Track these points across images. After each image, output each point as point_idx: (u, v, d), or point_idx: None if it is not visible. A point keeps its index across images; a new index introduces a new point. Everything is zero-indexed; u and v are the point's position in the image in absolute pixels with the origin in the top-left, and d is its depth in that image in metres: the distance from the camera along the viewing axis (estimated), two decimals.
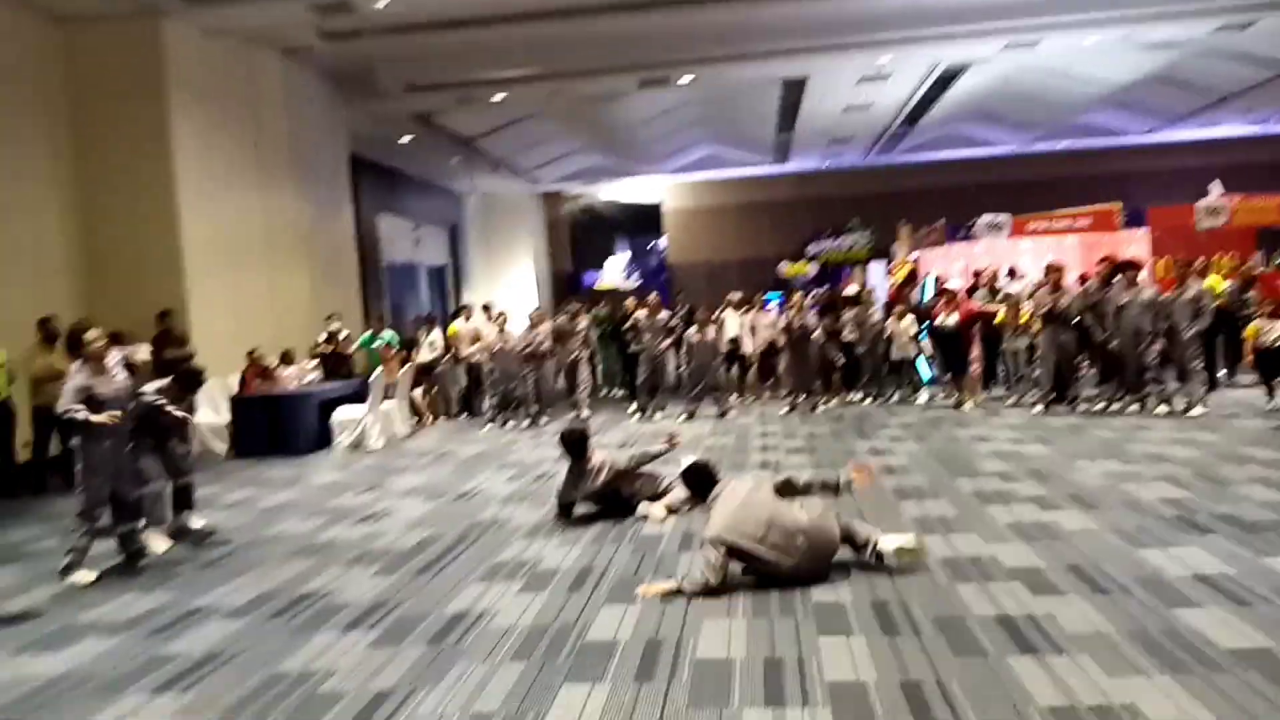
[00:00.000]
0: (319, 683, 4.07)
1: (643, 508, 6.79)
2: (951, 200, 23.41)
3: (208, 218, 12.04)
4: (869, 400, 12.92)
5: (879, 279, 22.58)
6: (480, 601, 5.07)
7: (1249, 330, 11.00)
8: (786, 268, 26.37)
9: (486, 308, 15.79)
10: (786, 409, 12.44)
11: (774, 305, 15.27)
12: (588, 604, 4.91)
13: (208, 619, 5.03)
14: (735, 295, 14.69)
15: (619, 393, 15.23)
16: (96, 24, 11.37)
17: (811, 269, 26.42)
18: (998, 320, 12.14)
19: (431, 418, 13.27)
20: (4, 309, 9.70)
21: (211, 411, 11.41)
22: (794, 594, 4.85)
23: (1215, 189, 16.13)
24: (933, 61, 16.28)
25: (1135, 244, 15.52)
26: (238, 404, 11.32)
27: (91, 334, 6.11)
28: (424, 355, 13.66)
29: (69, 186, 11.47)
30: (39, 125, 11.09)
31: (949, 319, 11.91)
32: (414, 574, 5.69)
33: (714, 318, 13.64)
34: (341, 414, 11.32)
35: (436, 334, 14.08)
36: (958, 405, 11.75)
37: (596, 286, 27.92)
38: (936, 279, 15.60)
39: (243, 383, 11.68)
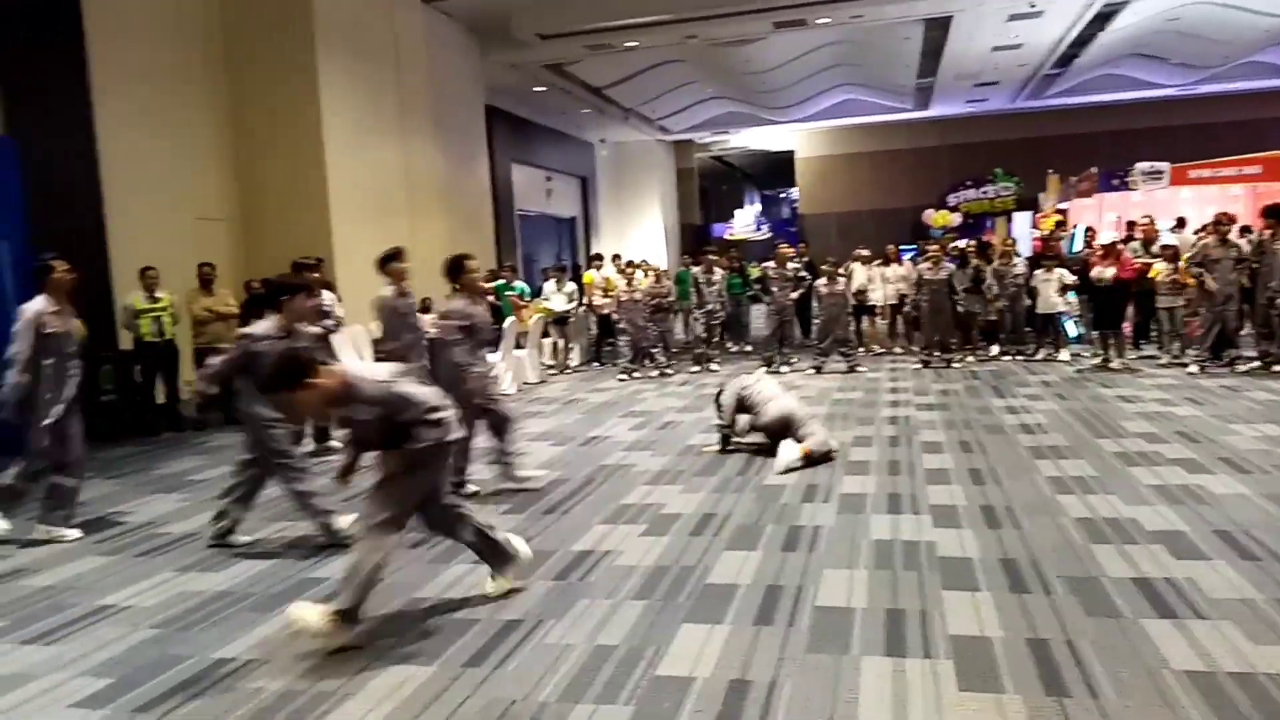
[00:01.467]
0: (453, 610, 4.28)
1: (784, 447, 6.78)
2: (1105, 147, 22.14)
3: (353, 167, 12.51)
4: (1008, 357, 12.47)
5: (1024, 230, 21.60)
6: (604, 542, 5.20)
7: None
8: (932, 216, 25.53)
9: (617, 258, 15.95)
10: (919, 364, 12.14)
11: (908, 257, 14.84)
12: (709, 549, 4.97)
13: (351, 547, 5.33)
14: (863, 251, 14.40)
15: (747, 346, 15.16)
16: None
17: (956, 218, 25.49)
18: (1152, 274, 11.44)
19: (559, 367, 13.54)
20: (168, 255, 10.37)
21: (355, 357, 11.96)
22: (919, 548, 4.79)
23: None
24: None
25: None
26: (379, 350, 11.82)
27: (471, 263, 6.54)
28: (558, 305, 13.76)
29: (226, 138, 12.13)
30: (199, 80, 11.73)
31: (1106, 271, 11.23)
32: (541, 513, 5.88)
33: (843, 270, 13.39)
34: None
35: (571, 285, 14.18)
36: (1104, 364, 11.20)
37: (726, 237, 27.74)
38: (1087, 230, 14.83)
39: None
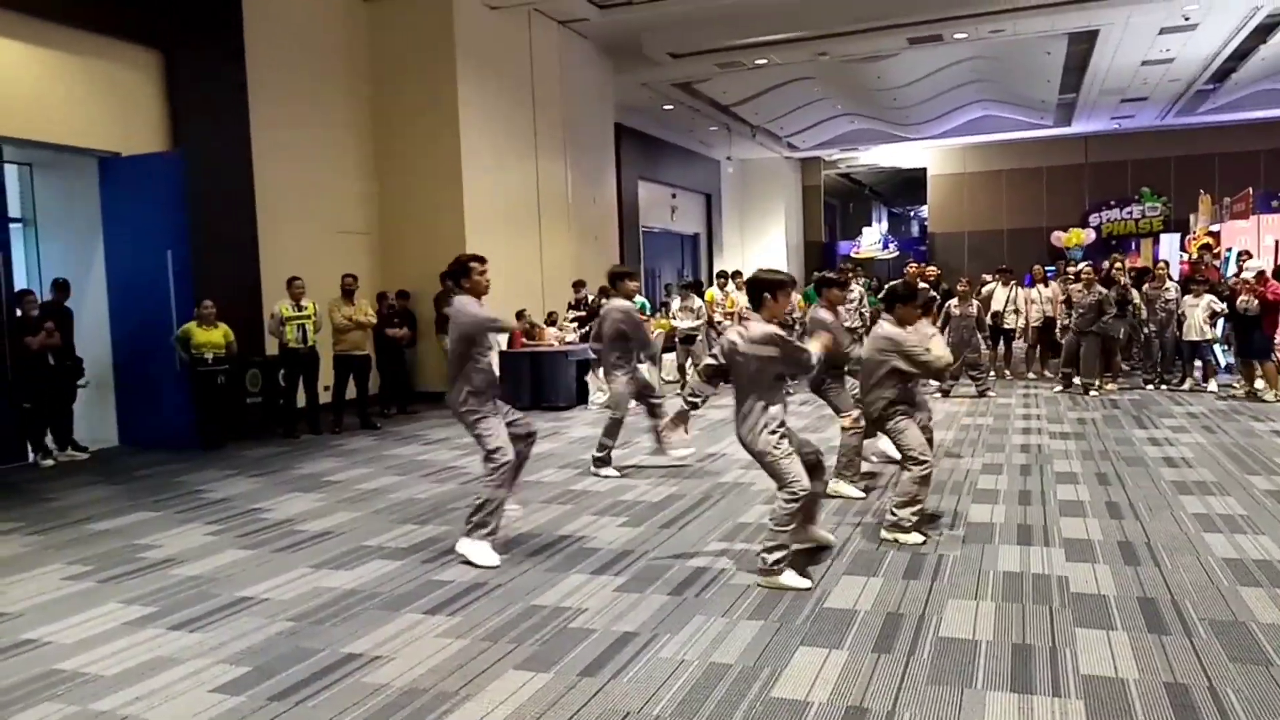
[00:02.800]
0: (570, 618, 4.34)
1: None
2: (1264, 166, 20.80)
3: (487, 184, 12.92)
4: (1153, 386, 11.85)
5: (1172, 253, 20.50)
6: (721, 559, 5.19)
7: None
8: (1062, 237, 24.54)
9: (738, 275, 15.87)
10: (1057, 389, 11.65)
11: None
12: (827, 572, 4.90)
13: None
14: (1003, 267, 13.93)
15: None
16: (397, 2, 12.49)
17: (1089, 236, 24.38)
18: None
19: (682, 384, 13.53)
20: (314, 266, 10.93)
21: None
22: (1050, 582, 4.60)
23: None
24: (1252, 7, 14.41)
25: None
26: (505, 359, 12.12)
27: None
28: (684, 323, 13.58)
29: (368, 155, 12.72)
30: (345, 99, 12.36)
31: (1251, 300, 10.61)
32: (659, 527, 5.91)
33: (977, 291, 12.98)
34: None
35: (696, 301, 13.98)
36: (1250, 395, 10.52)
37: (852, 255, 27.31)
38: (1240, 254, 13.96)
39: (510, 340, 12.49)
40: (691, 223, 24.79)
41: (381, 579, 5.05)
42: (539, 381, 11.70)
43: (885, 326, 5.65)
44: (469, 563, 5.15)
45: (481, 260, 5.48)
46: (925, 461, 5.39)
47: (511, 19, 13.35)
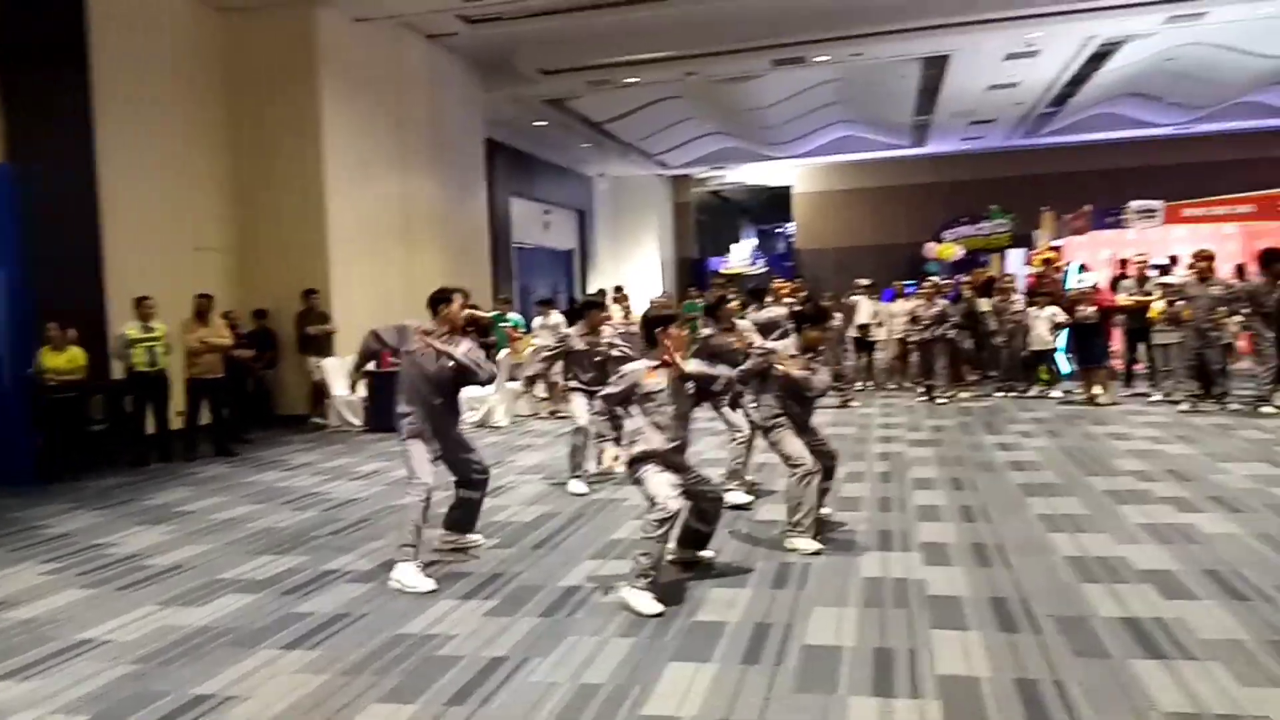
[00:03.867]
0: (438, 646, 4.23)
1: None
2: (1099, 185, 22.22)
3: (352, 200, 12.58)
4: (1001, 393, 12.47)
5: (1018, 266, 21.67)
6: (592, 578, 5.16)
7: None
8: (934, 249, 25.53)
9: (618, 289, 15.93)
10: (915, 399, 12.12)
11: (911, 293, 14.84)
12: (697, 585, 4.93)
13: (338, 581, 5.29)
14: (864, 281, 14.35)
15: None
16: (255, 12, 12.03)
17: (960, 251, 25.44)
18: (1152, 314, 11.50)
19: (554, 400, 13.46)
20: (164, 285, 10.38)
21: (347, 386, 11.93)
22: (908, 586, 4.76)
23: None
24: (1087, 36, 15.44)
25: None
26: (373, 380, 11.78)
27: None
28: (542, 339, 13.49)
29: (225, 169, 12.20)
30: (200, 111, 11.82)
31: (1088, 310, 11.36)
32: (530, 548, 5.84)
33: (842, 302, 13.39)
34: (468, 392, 11.63)
35: (556, 317, 13.96)
36: (1090, 400, 11.22)
37: (722, 271, 27.78)
38: (1080, 268, 14.89)
39: (379, 360, 12.15)
40: (565, 239, 24.79)
41: (236, 614, 4.81)
42: None
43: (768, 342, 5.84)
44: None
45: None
46: (802, 465, 5.50)
47: (378, 33, 13.06)
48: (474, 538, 5.84)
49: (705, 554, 5.33)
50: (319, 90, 12.06)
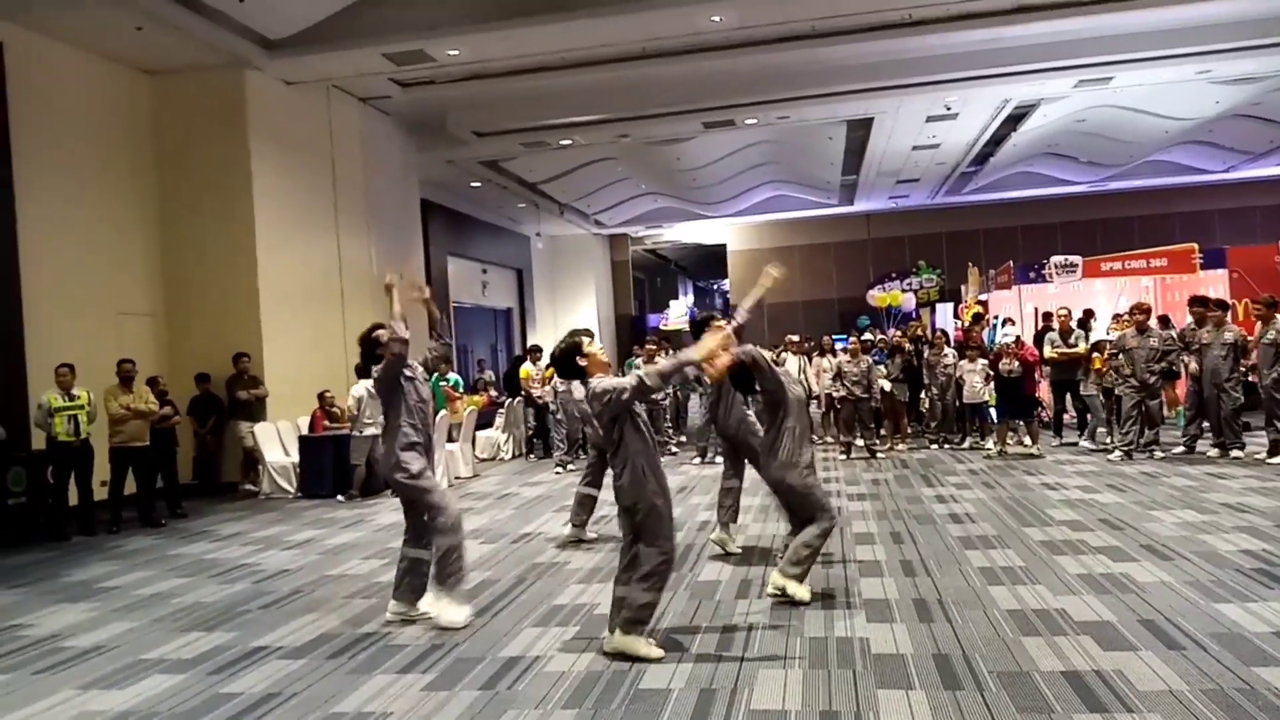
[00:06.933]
0: None
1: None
2: (1021, 241, 23.02)
3: (284, 262, 12.42)
4: (937, 445, 12.66)
5: (947, 321, 22.21)
6: (534, 647, 5.05)
7: None
8: (877, 296, 25.96)
9: (534, 348, 15.91)
10: (854, 454, 12.24)
11: (840, 347, 15.10)
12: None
13: (268, 658, 5.10)
14: (793, 337, 14.62)
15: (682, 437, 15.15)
16: (183, 75, 11.92)
17: (910, 299, 25.88)
18: (1096, 364, 11.81)
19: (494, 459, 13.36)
20: (86, 350, 10.10)
21: (281, 451, 11.68)
22: (853, 645, 4.75)
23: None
24: (1002, 99, 16.11)
25: (1215, 285, 15.03)
26: (306, 444, 11.54)
27: None
28: (480, 398, 13.64)
29: (153, 233, 11.98)
30: (127, 173, 11.64)
31: (1013, 363, 11.67)
32: (471, 616, 5.70)
33: (774, 359, 13.52)
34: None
35: (489, 376, 14.06)
36: (1001, 454, 11.46)
37: (661, 327, 27.96)
38: (1005, 321, 15.31)
39: (312, 424, 11.93)
40: (503, 298, 24.73)
41: (161, 696, 4.59)
42: (343, 466, 11.15)
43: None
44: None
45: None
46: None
47: (309, 95, 13.03)
48: (424, 606, 5.69)
49: None
50: (249, 152, 11.95)
